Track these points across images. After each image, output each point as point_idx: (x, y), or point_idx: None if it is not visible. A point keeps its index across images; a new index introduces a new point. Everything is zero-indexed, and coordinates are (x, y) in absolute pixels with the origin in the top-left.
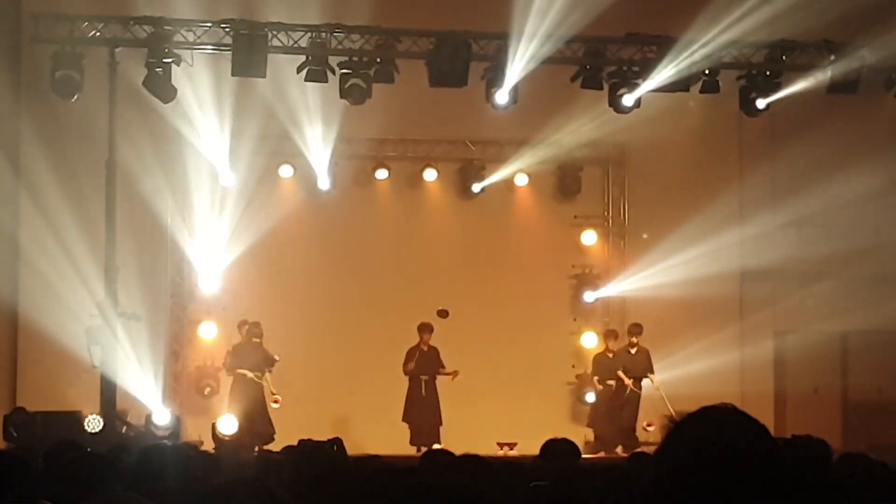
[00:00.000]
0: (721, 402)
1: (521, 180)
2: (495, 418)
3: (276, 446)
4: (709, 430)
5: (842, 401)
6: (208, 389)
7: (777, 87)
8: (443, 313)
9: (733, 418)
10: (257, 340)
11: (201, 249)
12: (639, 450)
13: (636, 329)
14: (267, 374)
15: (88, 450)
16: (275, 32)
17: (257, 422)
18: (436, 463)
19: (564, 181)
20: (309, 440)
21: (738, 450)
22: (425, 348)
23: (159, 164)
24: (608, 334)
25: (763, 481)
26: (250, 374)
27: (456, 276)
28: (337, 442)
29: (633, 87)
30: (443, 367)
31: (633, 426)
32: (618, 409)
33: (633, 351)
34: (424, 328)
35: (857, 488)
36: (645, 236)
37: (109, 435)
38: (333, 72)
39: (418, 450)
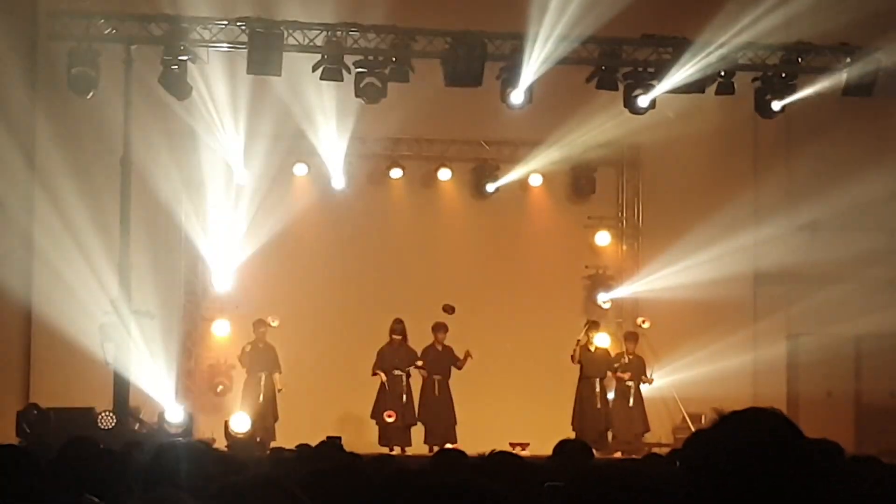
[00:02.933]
0: (770, 406)
1: (536, 181)
2: (508, 418)
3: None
4: (746, 431)
5: (855, 404)
6: (221, 387)
7: (792, 90)
8: (448, 309)
9: (772, 421)
10: (398, 338)
11: (215, 247)
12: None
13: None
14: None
15: (101, 446)
16: (290, 31)
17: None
18: (449, 462)
19: (578, 182)
20: (330, 439)
21: (772, 452)
22: (440, 348)
23: (174, 162)
24: (629, 336)
25: (795, 486)
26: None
27: (469, 276)
28: (336, 441)
29: (648, 88)
30: (458, 360)
31: (609, 429)
32: (594, 408)
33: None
34: (439, 328)
35: (868, 491)
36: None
37: (122, 432)
38: (349, 70)
39: (431, 449)
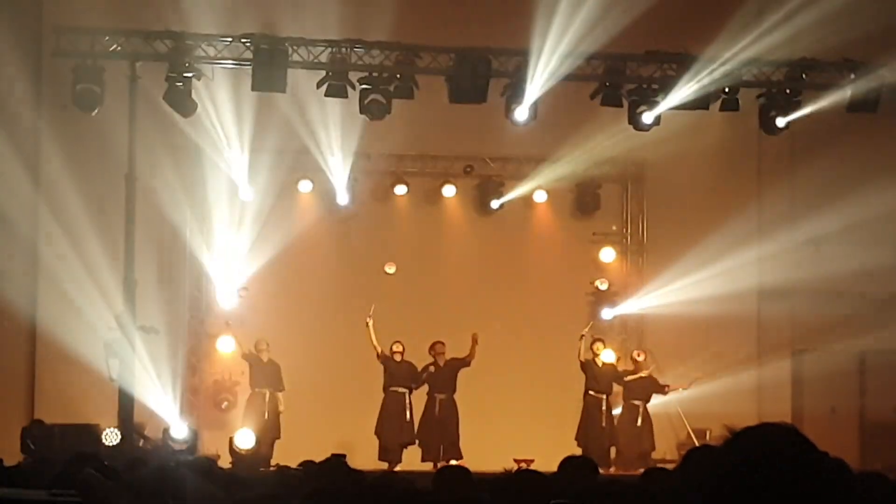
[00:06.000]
0: (782, 421)
1: (540, 197)
2: (512, 434)
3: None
4: (759, 448)
5: (859, 420)
6: (226, 403)
7: (797, 106)
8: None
9: (786, 438)
10: (399, 350)
11: (220, 263)
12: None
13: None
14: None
15: (106, 463)
16: (295, 47)
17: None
18: (452, 479)
19: (583, 198)
20: (335, 456)
21: (786, 470)
22: (441, 364)
23: (179, 178)
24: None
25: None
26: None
27: (474, 293)
28: (341, 458)
29: (652, 104)
30: (464, 358)
31: (613, 446)
32: (599, 424)
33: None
34: (435, 346)
35: None
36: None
37: (127, 448)
38: (353, 87)
39: (434, 466)
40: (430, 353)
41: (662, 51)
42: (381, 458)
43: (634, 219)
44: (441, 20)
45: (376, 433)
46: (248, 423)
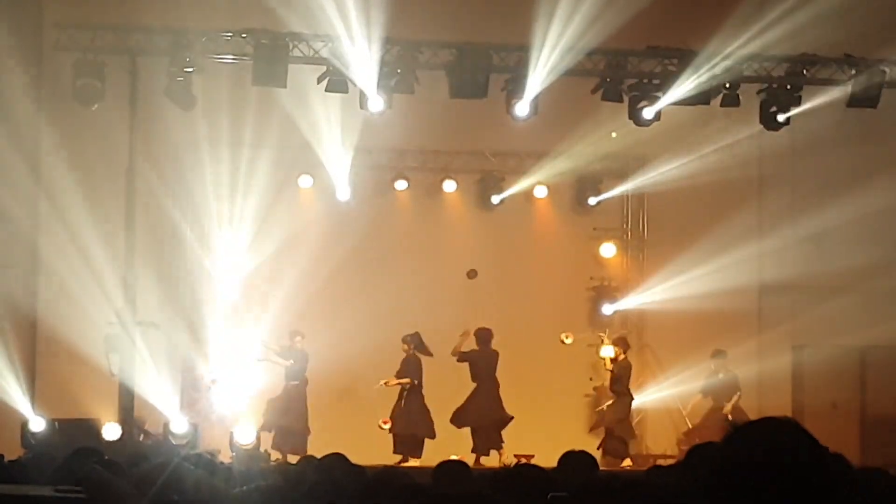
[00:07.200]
0: (784, 416)
1: (541, 192)
2: (512, 430)
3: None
4: (762, 443)
5: (860, 416)
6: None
7: (797, 101)
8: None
9: (788, 432)
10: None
11: (220, 258)
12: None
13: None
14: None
15: (106, 457)
16: (296, 42)
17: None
18: (451, 474)
19: (584, 193)
20: (335, 453)
21: (792, 466)
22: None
23: (179, 173)
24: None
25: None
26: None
27: (474, 288)
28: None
29: (653, 99)
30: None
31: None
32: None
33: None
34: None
35: (875, 503)
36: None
37: (127, 443)
38: (354, 83)
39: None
40: (477, 344)
41: (663, 46)
42: (395, 451)
43: (635, 214)
44: (441, 15)
45: (392, 423)
46: (283, 415)
